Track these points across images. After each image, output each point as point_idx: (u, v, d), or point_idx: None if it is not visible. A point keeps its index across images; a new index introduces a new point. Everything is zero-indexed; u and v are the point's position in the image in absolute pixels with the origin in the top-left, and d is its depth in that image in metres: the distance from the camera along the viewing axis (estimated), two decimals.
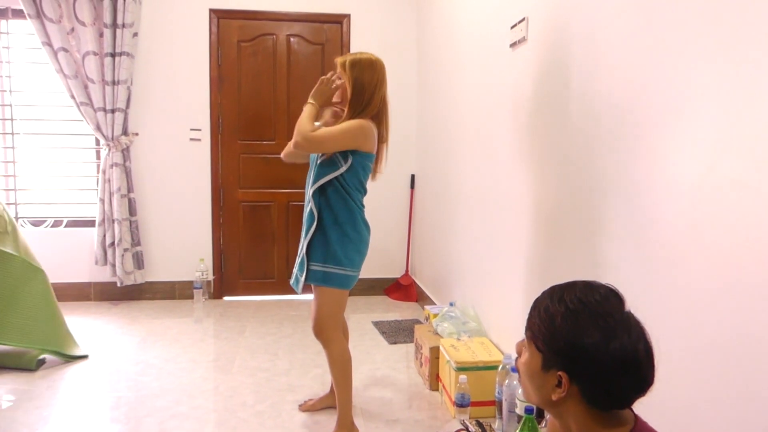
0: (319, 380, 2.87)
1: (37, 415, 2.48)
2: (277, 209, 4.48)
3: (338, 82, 2.22)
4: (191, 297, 4.36)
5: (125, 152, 4.13)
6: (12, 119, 4.18)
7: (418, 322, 3.85)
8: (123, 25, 3.97)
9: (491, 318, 2.79)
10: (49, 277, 3.13)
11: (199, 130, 4.30)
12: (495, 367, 2.41)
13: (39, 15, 3.90)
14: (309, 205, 2.23)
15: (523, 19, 2.31)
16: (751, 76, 1.21)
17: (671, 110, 1.46)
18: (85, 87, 4.03)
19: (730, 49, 1.26)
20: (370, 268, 4.20)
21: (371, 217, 2.33)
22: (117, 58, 4.01)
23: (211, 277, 4.41)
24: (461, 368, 2.40)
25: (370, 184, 2.33)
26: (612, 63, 1.72)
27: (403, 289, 4.52)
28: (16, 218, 4.20)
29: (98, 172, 4.21)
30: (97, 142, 4.23)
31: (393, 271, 4.60)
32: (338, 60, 2.26)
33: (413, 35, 4.46)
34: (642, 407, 1.04)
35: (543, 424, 1.92)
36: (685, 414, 1.41)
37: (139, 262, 4.23)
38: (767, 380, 1.18)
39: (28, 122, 4.22)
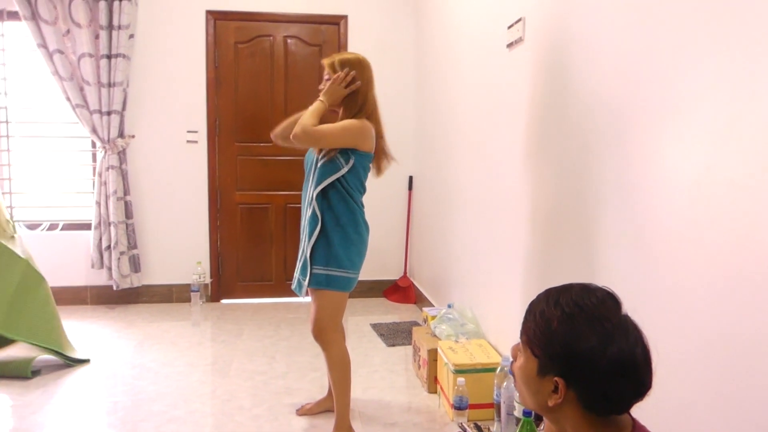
0: (317, 383, 2.85)
1: (33, 421, 2.46)
2: (275, 211, 4.46)
3: (357, 83, 2.19)
4: (188, 300, 4.34)
5: (121, 155, 4.11)
6: (7, 122, 4.16)
7: (416, 324, 3.83)
8: (119, 27, 3.96)
9: (489, 320, 2.77)
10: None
11: (196, 132, 4.28)
12: (493, 370, 2.39)
13: (34, 17, 3.88)
14: (310, 209, 2.21)
15: (519, 20, 2.30)
16: (748, 74, 1.19)
17: (668, 110, 1.44)
18: (81, 89, 4.01)
19: (728, 47, 1.25)
20: (369, 270, 4.17)
21: (369, 219, 2.32)
22: (113, 60, 3.99)
23: (208, 280, 4.39)
24: (459, 370, 2.39)
25: (368, 185, 2.32)
26: (609, 63, 1.70)
27: (401, 291, 4.51)
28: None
29: (94, 175, 4.18)
30: (93, 145, 4.21)
31: (391, 273, 4.58)
32: (326, 61, 2.25)
33: (411, 36, 4.45)
34: (639, 411, 1.02)
35: (541, 427, 1.90)
36: (684, 417, 1.39)
37: (135, 265, 4.21)
38: (767, 381, 1.16)
39: (23, 125, 4.20)
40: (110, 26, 3.97)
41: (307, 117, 2.14)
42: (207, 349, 3.40)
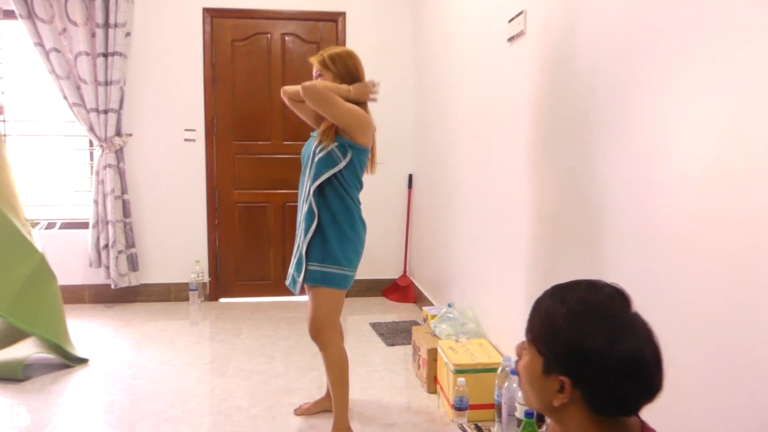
0: (315, 383, 2.82)
1: (30, 420, 2.43)
2: (273, 210, 4.43)
3: (376, 95, 2.20)
4: (186, 299, 4.31)
5: (119, 153, 4.08)
6: (4, 120, 4.13)
7: (416, 323, 3.80)
8: (115, 25, 3.93)
9: (490, 319, 2.74)
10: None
11: (194, 130, 4.25)
12: (494, 370, 2.37)
13: (30, 15, 3.85)
14: (306, 204, 2.18)
15: (521, 12, 2.27)
16: (759, 63, 1.16)
17: (675, 102, 1.41)
18: (78, 88, 3.98)
19: (738, 35, 1.22)
20: (368, 269, 4.17)
21: (368, 217, 2.29)
22: (109, 58, 3.96)
23: (206, 279, 4.36)
24: (459, 370, 2.36)
25: (367, 184, 2.29)
26: (614, 55, 1.67)
27: (400, 290, 4.48)
28: None
29: (92, 174, 4.16)
30: (91, 143, 4.18)
31: (390, 272, 4.56)
32: (314, 59, 2.22)
33: (409, 32, 4.42)
34: (648, 413, 1.00)
35: (543, 429, 1.87)
36: (694, 420, 1.36)
37: (133, 264, 4.18)
38: None
39: (20, 123, 4.17)
40: (107, 24, 3.94)
41: (328, 84, 2.11)
42: (205, 348, 3.37)
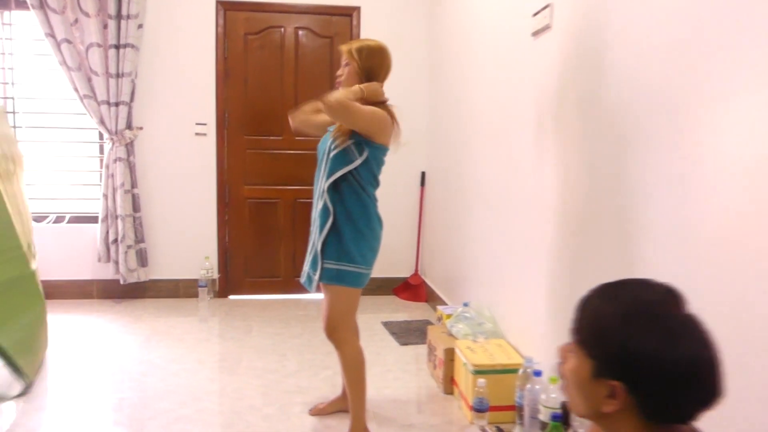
0: (329, 382, 2.76)
1: (38, 418, 2.38)
2: (284, 207, 4.38)
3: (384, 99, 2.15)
4: (196, 295, 4.26)
5: (129, 147, 4.03)
6: (14, 112, 4.09)
7: (428, 322, 3.74)
8: (128, 17, 3.88)
9: (509, 319, 2.68)
10: (45, 303, 3.03)
11: (205, 124, 4.20)
12: (514, 371, 2.31)
13: (42, 5, 3.80)
14: (321, 201, 2.13)
15: (547, 6, 2.20)
16: None
17: (719, 96, 1.35)
18: (89, 79, 3.93)
19: None
20: (379, 268, 4.05)
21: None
22: (121, 50, 3.91)
23: (216, 276, 4.31)
24: (479, 371, 2.30)
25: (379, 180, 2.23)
26: (650, 49, 1.61)
27: (412, 288, 4.42)
28: None
29: (101, 167, 4.11)
30: (101, 136, 4.14)
31: (402, 270, 4.50)
32: (343, 47, 2.17)
33: (425, 28, 4.35)
34: (706, 421, 0.93)
35: None
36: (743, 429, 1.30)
37: (142, 259, 4.14)
38: None
39: (30, 115, 4.13)
40: (119, 16, 3.89)
41: (344, 91, 2.06)
42: (215, 345, 3.32)
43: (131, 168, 4.05)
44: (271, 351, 3.19)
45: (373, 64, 2.14)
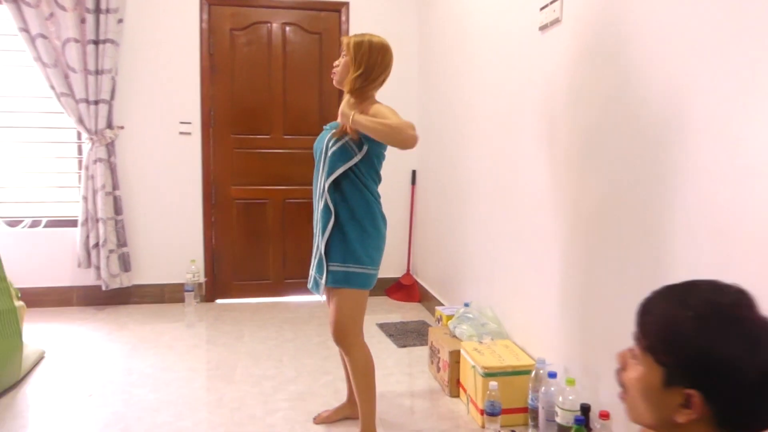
0: (330, 388, 2.68)
1: None
2: (273, 207, 4.26)
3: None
4: (182, 300, 4.12)
5: (110, 147, 3.87)
6: None
7: (424, 323, 3.68)
8: (107, 11, 3.72)
9: (513, 319, 2.63)
10: (23, 307, 2.82)
11: (190, 123, 4.06)
12: (524, 372, 2.26)
13: None
14: (322, 201, 2.04)
15: None
16: None
17: (754, 90, 1.30)
18: (66, 76, 3.76)
19: None
20: None
21: None
22: (100, 46, 3.75)
23: (202, 279, 4.18)
24: (489, 374, 2.24)
25: None
26: (672, 38, 1.56)
27: (404, 289, 4.35)
28: None
29: (80, 168, 3.94)
30: (79, 136, 3.96)
31: (393, 270, 4.42)
32: (344, 39, 2.09)
33: (415, 24, 4.29)
34: None
35: None
36: None
37: (125, 264, 3.98)
38: None
39: (3, 114, 3.93)
40: (97, 10, 3.73)
41: (380, 125, 1.92)
42: (207, 352, 3.19)
43: (112, 169, 3.88)
44: (267, 357, 3.09)
45: (371, 61, 2.05)
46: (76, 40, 3.71)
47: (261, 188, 4.23)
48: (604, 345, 1.89)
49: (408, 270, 4.42)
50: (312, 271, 2.14)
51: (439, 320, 3.12)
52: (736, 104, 1.36)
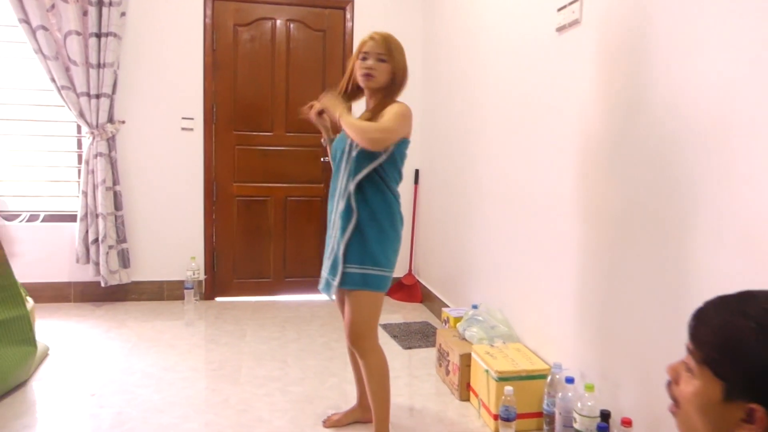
0: (337, 390, 2.64)
1: None
2: (274, 205, 4.22)
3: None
4: (181, 298, 4.07)
5: (111, 141, 3.80)
6: None
7: (428, 324, 3.66)
8: (110, 3, 3.65)
9: (525, 322, 2.61)
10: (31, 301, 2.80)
11: (192, 119, 4.00)
12: (538, 377, 2.24)
13: None
14: (343, 202, 2.00)
15: (576, 0, 2.13)
16: None
17: None
18: (67, 69, 3.69)
19: None
20: None
21: None
22: (103, 39, 3.68)
23: (202, 277, 4.12)
24: (503, 378, 2.22)
25: None
26: (704, 45, 1.54)
27: (406, 289, 4.32)
28: None
29: (80, 163, 3.87)
30: (80, 130, 3.90)
31: (395, 270, 4.37)
32: (373, 39, 2.02)
33: (419, 22, 4.26)
34: None
35: None
36: None
37: (124, 260, 3.91)
38: None
39: (2, 107, 3.85)
40: (100, 2, 3.66)
41: (362, 123, 1.91)
42: (210, 352, 3.14)
43: (113, 164, 3.82)
44: (270, 357, 3.05)
45: (404, 63, 2.06)
46: (78, 33, 3.64)
47: (262, 185, 4.18)
48: (624, 351, 1.88)
49: (410, 270, 4.39)
50: (324, 273, 2.10)
51: (446, 322, 3.09)
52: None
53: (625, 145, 1.88)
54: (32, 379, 2.67)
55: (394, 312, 3.97)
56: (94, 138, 3.74)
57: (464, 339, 2.68)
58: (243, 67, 4.07)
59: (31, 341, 2.63)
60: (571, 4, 2.17)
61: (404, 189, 4.29)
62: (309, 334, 3.43)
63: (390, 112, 1.94)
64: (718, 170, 1.50)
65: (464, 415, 2.43)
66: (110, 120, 3.79)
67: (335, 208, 2.07)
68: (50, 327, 3.42)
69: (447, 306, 3.57)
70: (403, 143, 2.03)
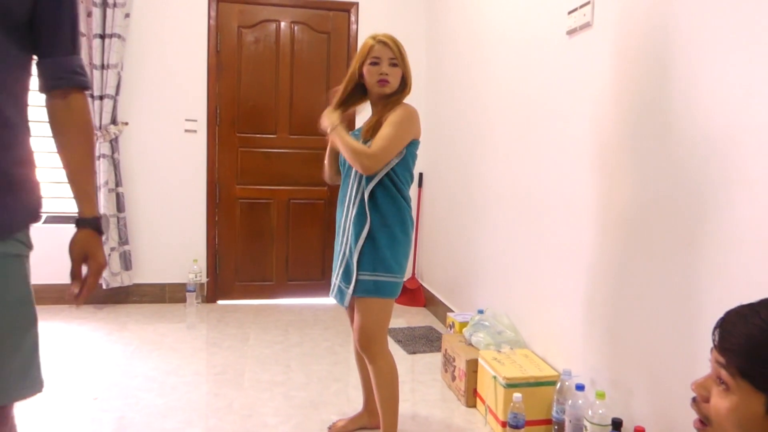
0: (342, 395, 2.61)
1: None
2: (277, 207, 4.19)
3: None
4: (182, 300, 4.04)
5: (114, 143, 3.78)
6: None
7: (432, 329, 3.63)
8: (114, 5, 3.64)
9: (533, 328, 2.58)
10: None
11: (195, 120, 3.98)
12: (547, 383, 2.21)
13: None
14: (355, 208, 1.97)
15: (587, 2, 2.11)
16: None
17: None
18: None
19: None
20: None
21: None
22: (107, 41, 3.66)
23: (204, 280, 4.09)
24: (511, 384, 2.19)
25: None
26: (724, 48, 1.52)
27: (409, 293, 4.29)
28: None
29: None
30: None
31: None
32: (389, 42, 1.99)
33: (423, 24, 4.24)
34: None
35: None
36: None
37: (126, 262, 3.89)
38: None
39: None
40: (104, 3, 3.65)
41: (353, 145, 1.90)
42: (213, 355, 3.12)
43: (116, 165, 3.80)
44: (274, 362, 3.02)
45: (407, 62, 2.04)
46: (82, 34, 3.62)
47: (266, 188, 4.16)
48: (636, 357, 1.85)
49: (413, 273, 4.36)
50: (336, 280, 2.07)
51: (451, 327, 3.06)
52: None
53: (639, 149, 1.86)
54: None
55: (398, 316, 3.94)
56: (97, 139, 3.72)
57: (470, 344, 2.65)
58: (247, 69, 4.05)
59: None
60: (582, 7, 2.15)
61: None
62: (313, 338, 3.40)
63: (390, 122, 1.91)
64: (735, 175, 1.48)
65: (471, 422, 2.40)
66: (113, 121, 3.77)
67: (347, 215, 2.04)
68: (52, 329, 3.39)
69: (451, 310, 3.55)
70: (413, 144, 2.01)
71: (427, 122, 4.16)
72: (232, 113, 4.06)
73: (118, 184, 3.81)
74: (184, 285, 4.02)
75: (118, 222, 3.83)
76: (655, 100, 1.78)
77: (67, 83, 1.27)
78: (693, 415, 0.95)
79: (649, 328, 1.79)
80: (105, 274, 3.77)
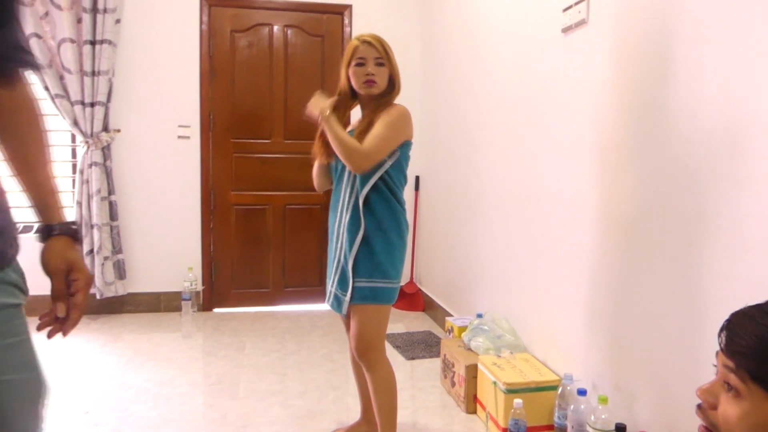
0: (340, 404, 2.56)
1: None
2: (273, 213, 4.14)
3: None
4: (178, 309, 3.98)
5: (106, 150, 3.73)
6: None
7: (431, 333, 3.58)
8: (104, 10, 3.60)
9: (533, 332, 2.53)
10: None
11: (188, 126, 3.94)
12: (549, 388, 2.17)
13: None
14: (348, 213, 1.93)
15: (582, 0, 2.07)
16: None
17: None
18: (61, 78, 3.62)
19: None
20: None
21: None
22: (97, 47, 3.62)
23: (200, 288, 4.04)
24: (512, 390, 2.14)
25: None
26: (725, 44, 1.49)
27: (407, 297, 4.24)
28: None
29: (75, 173, 3.80)
30: (74, 139, 3.83)
31: None
32: (374, 41, 1.96)
33: (417, 27, 4.21)
34: None
35: None
36: None
37: (120, 271, 3.83)
38: None
39: None
40: (95, 9, 3.60)
41: (346, 140, 1.85)
42: (208, 365, 3.06)
43: (108, 173, 3.75)
44: (270, 370, 2.96)
45: (398, 67, 2.01)
46: (72, 41, 3.58)
47: (261, 194, 4.11)
48: (639, 361, 1.80)
49: (411, 278, 4.31)
50: (332, 288, 2.02)
51: (450, 332, 3.02)
52: None
53: (638, 148, 1.82)
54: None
55: (396, 321, 3.89)
56: (88, 147, 3.67)
57: (470, 349, 2.60)
58: (240, 73, 4.01)
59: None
60: (577, 4, 2.11)
61: (405, 196, 4.24)
62: (309, 346, 3.35)
63: (382, 122, 1.87)
64: (737, 173, 1.44)
65: (471, 429, 2.35)
66: (105, 129, 3.72)
67: (339, 220, 1.99)
68: (45, 341, 3.33)
69: (450, 315, 3.50)
70: (406, 145, 1.98)
71: (424, 124, 4.12)
72: (225, 119, 4.01)
73: (110, 192, 3.76)
74: (179, 293, 3.97)
75: (111, 231, 3.78)
76: (652, 98, 1.74)
77: (16, 64, 1.00)
78: (698, 420, 0.90)
79: (652, 330, 1.74)
80: (98, 283, 3.72)
